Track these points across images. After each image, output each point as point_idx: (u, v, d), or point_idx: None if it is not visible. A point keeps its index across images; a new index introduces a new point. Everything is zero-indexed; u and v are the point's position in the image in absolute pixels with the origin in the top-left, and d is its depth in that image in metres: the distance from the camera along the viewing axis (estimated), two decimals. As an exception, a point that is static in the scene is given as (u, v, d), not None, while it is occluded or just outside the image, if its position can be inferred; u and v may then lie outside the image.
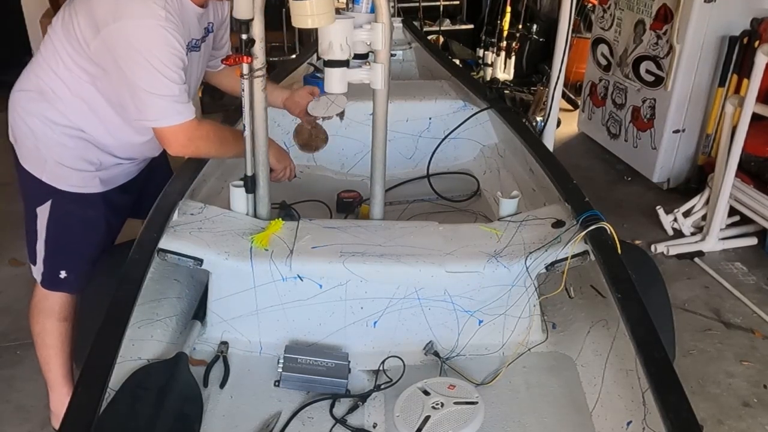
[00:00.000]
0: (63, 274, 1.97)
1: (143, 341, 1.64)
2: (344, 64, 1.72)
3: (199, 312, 1.82)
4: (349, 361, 1.67)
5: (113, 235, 2.04)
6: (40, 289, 2.04)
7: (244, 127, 1.82)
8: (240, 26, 1.69)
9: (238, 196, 1.89)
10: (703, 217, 3.49)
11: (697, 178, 3.91)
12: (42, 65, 1.81)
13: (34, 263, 2.00)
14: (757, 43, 3.48)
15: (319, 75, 2.64)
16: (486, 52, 5.38)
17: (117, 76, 1.68)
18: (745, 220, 3.44)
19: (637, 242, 3.42)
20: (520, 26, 5.39)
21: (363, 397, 1.60)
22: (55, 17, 1.81)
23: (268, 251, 1.70)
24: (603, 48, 4.39)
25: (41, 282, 2.02)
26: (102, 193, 1.93)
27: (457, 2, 6.15)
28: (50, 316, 2.05)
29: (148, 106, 1.69)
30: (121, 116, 1.79)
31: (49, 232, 1.93)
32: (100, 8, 1.63)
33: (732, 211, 3.43)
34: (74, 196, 1.89)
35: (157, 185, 1.92)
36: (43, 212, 1.91)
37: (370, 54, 1.78)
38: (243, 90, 1.78)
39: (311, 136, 2.66)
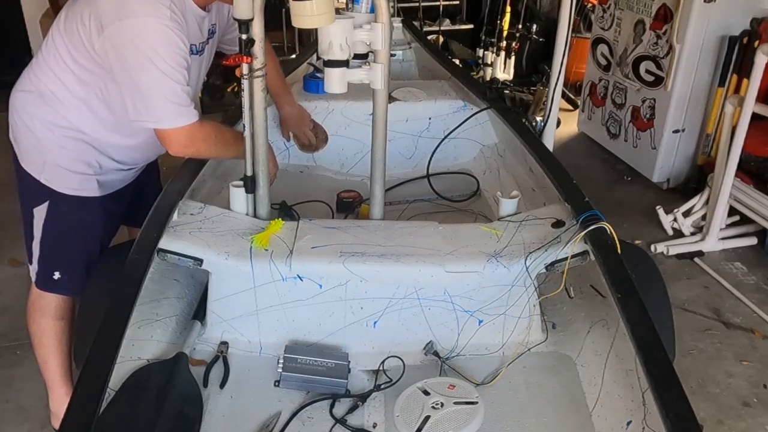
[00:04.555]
0: (57, 275, 1.97)
1: (143, 341, 1.64)
2: (344, 64, 1.72)
3: (199, 312, 1.82)
4: (349, 361, 1.67)
5: (108, 240, 2.05)
6: (36, 288, 2.04)
7: (244, 127, 1.82)
8: (240, 26, 1.69)
9: (238, 196, 1.89)
10: (703, 217, 3.49)
11: (696, 178, 3.91)
12: (42, 67, 1.81)
13: (30, 263, 2.00)
14: (756, 43, 3.48)
15: (319, 75, 2.65)
16: (486, 52, 5.38)
17: (120, 76, 1.67)
18: (744, 220, 3.44)
19: (637, 242, 3.42)
20: (520, 26, 5.39)
21: (363, 397, 1.60)
22: (56, 18, 1.81)
23: (268, 251, 1.70)
24: (603, 48, 4.39)
25: (35, 282, 2.02)
26: (98, 198, 1.93)
27: (457, 2, 6.15)
28: (46, 315, 2.06)
29: (150, 107, 1.69)
30: (123, 118, 1.79)
31: (45, 232, 1.93)
32: (104, 7, 1.63)
33: (732, 211, 3.43)
34: (71, 198, 1.89)
35: (148, 195, 1.92)
36: (39, 213, 1.91)
37: (370, 54, 1.78)
38: (243, 90, 1.78)
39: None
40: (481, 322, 1.74)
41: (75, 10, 1.72)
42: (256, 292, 1.71)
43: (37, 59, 1.85)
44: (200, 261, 1.70)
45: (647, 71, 3.97)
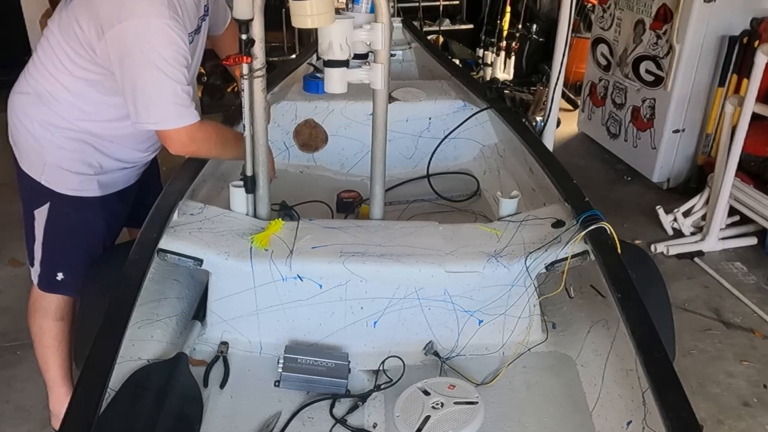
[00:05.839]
0: (60, 276, 1.97)
1: (143, 341, 1.64)
2: (344, 64, 1.72)
3: (199, 312, 1.82)
4: (349, 361, 1.67)
5: (111, 240, 2.05)
6: (37, 289, 2.04)
7: (244, 127, 1.82)
8: (240, 26, 1.69)
9: (238, 196, 1.89)
10: (703, 217, 3.49)
11: (696, 178, 3.91)
12: (39, 68, 1.81)
13: (32, 265, 2.00)
14: (756, 42, 3.48)
15: (319, 75, 2.65)
16: (486, 52, 5.38)
17: (121, 78, 1.67)
18: (745, 220, 3.45)
19: (637, 242, 3.42)
20: (520, 26, 5.39)
21: (363, 397, 1.60)
22: (50, 20, 1.80)
23: (268, 251, 1.70)
24: (603, 48, 4.39)
25: (38, 284, 2.02)
26: (100, 197, 1.93)
27: (457, 2, 6.15)
28: (46, 316, 2.05)
29: (151, 108, 1.69)
30: (123, 118, 1.79)
31: (47, 234, 1.93)
32: (103, 10, 1.63)
33: (732, 211, 3.43)
34: (72, 199, 1.89)
35: (152, 197, 1.92)
36: (41, 214, 1.91)
37: (370, 54, 1.78)
38: (243, 90, 1.78)
39: (311, 136, 2.67)
40: (481, 322, 1.74)
41: (70, 13, 1.71)
42: (256, 292, 1.71)
43: (33, 61, 1.85)
44: (200, 261, 1.69)
45: (647, 71, 3.97)
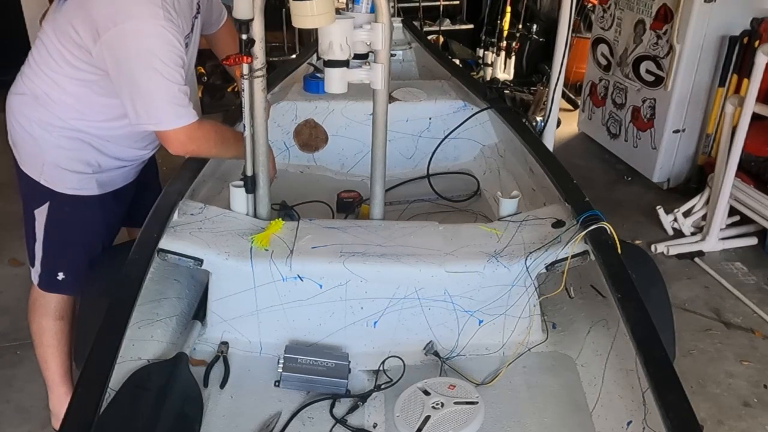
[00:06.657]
0: (61, 275, 1.98)
1: (143, 341, 1.64)
2: (344, 64, 1.72)
3: (199, 312, 1.82)
4: (349, 361, 1.67)
5: (111, 238, 2.05)
6: (37, 288, 2.04)
7: (244, 127, 1.82)
8: (240, 26, 1.69)
9: (238, 196, 1.89)
10: (703, 217, 3.49)
11: (697, 178, 3.91)
12: (35, 69, 1.81)
13: (33, 265, 2.00)
14: (757, 43, 3.48)
15: (319, 75, 2.65)
16: (486, 52, 5.38)
17: (118, 80, 1.68)
18: (745, 220, 3.45)
19: (637, 242, 3.42)
20: (520, 26, 5.39)
21: (363, 397, 1.60)
22: (44, 21, 1.81)
23: (268, 251, 1.70)
24: (603, 48, 4.39)
25: (38, 284, 2.02)
26: (99, 196, 1.93)
27: (457, 2, 6.15)
28: (46, 315, 2.06)
29: (149, 110, 1.69)
30: (118, 117, 1.79)
31: (47, 234, 1.93)
32: (99, 13, 1.63)
33: (732, 211, 3.43)
34: (71, 198, 1.89)
35: (148, 195, 1.92)
36: (41, 214, 1.91)
37: (370, 54, 1.78)
38: (243, 90, 1.78)
39: (311, 136, 2.68)
40: (481, 322, 1.74)
41: (64, 15, 1.71)
42: (256, 292, 1.71)
43: (28, 63, 1.85)
44: (200, 261, 1.70)
45: (647, 71, 3.97)
